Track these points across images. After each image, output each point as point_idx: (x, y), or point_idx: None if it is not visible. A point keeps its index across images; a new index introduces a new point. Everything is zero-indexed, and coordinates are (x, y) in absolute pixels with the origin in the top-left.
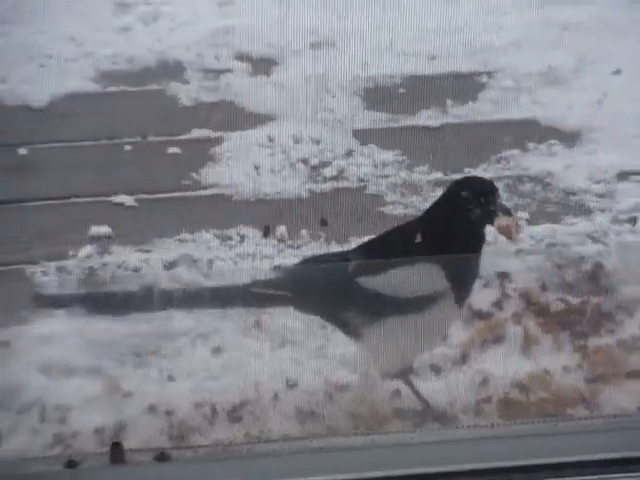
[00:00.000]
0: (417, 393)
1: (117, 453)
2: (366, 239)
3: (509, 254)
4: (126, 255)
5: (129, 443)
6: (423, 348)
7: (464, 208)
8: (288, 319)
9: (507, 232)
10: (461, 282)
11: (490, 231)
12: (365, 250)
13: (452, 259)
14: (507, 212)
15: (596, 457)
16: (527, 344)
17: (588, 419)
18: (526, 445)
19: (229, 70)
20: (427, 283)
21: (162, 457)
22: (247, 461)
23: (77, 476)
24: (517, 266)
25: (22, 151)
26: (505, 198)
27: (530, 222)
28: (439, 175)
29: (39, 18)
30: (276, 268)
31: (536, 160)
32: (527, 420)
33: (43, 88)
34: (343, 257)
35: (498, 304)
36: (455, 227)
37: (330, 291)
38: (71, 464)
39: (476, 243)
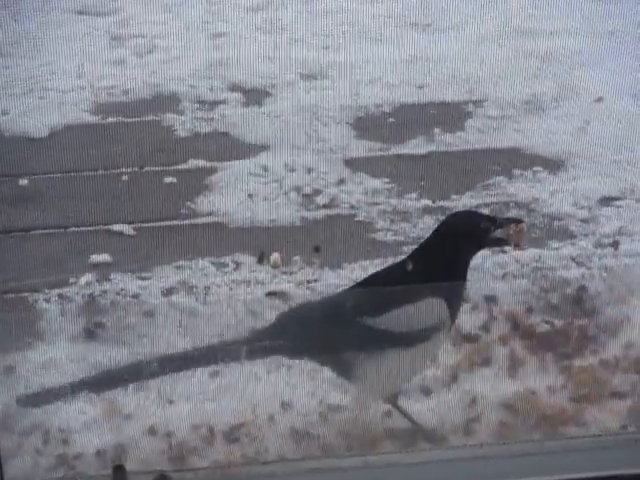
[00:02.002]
0: (407, 415)
1: (119, 476)
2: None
3: (496, 278)
4: (125, 282)
5: (130, 464)
6: (417, 373)
7: (467, 238)
8: None
9: (518, 238)
10: (455, 309)
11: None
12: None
13: (449, 288)
14: (519, 220)
15: (582, 475)
16: (513, 365)
17: (573, 439)
18: (514, 464)
19: (223, 101)
20: (431, 316)
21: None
22: None
23: None
24: (504, 289)
25: (23, 182)
26: None
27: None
28: (428, 202)
29: (38, 52)
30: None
31: (522, 187)
32: (514, 440)
33: (43, 120)
34: (340, 300)
35: (485, 327)
36: (457, 256)
37: (328, 334)
38: None
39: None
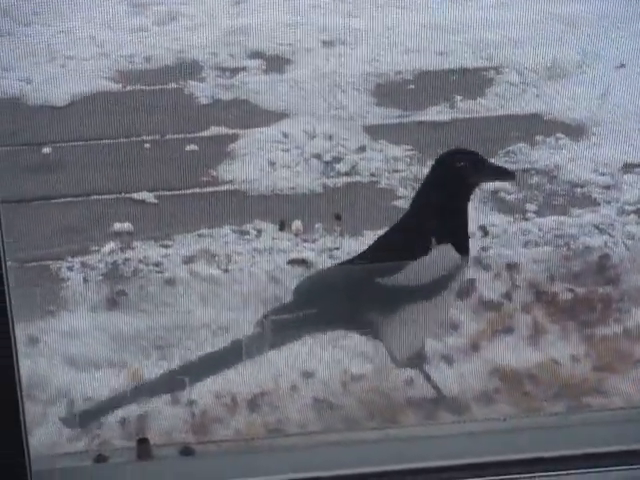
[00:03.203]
0: (431, 381)
1: (144, 448)
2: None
3: (518, 245)
4: (147, 250)
5: (153, 433)
6: (440, 323)
7: (461, 179)
8: None
9: None
10: (464, 250)
11: None
12: (375, 250)
13: (454, 230)
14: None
15: (606, 449)
16: (536, 334)
17: (597, 411)
18: (537, 438)
19: (244, 68)
20: (443, 263)
21: (187, 451)
22: (268, 455)
23: (105, 471)
24: (526, 257)
25: (46, 150)
26: (513, 191)
27: (538, 214)
28: None
29: (60, 20)
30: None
31: (543, 153)
32: (537, 414)
33: (65, 88)
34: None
35: (507, 295)
36: (453, 198)
37: (351, 298)
38: (100, 459)
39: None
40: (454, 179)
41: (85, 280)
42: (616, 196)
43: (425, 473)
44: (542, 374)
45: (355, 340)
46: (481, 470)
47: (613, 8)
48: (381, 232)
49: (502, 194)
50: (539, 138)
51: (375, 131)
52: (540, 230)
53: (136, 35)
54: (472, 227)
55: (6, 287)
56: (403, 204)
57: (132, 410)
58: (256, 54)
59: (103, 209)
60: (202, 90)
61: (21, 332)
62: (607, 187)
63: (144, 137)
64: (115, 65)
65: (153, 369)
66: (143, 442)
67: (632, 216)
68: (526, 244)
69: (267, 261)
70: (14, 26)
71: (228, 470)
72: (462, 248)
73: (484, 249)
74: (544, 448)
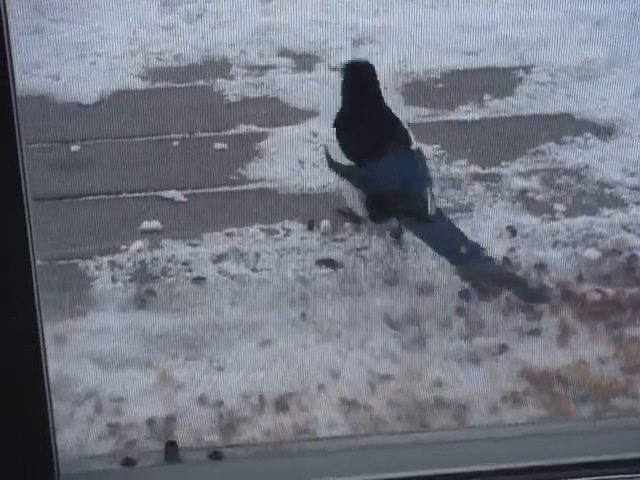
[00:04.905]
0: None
1: (172, 451)
2: None
3: (546, 246)
4: (176, 249)
5: (181, 433)
6: None
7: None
8: (332, 312)
9: None
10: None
11: None
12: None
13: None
14: None
15: (635, 455)
16: (564, 335)
17: (626, 417)
18: (565, 443)
19: (273, 66)
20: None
21: (215, 455)
22: (296, 459)
23: (134, 474)
24: (554, 257)
25: (74, 147)
26: (541, 190)
27: (566, 214)
28: (477, 169)
29: (89, 17)
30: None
31: (572, 153)
32: (566, 418)
33: (94, 85)
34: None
35: None
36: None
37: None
38: (128, 462)
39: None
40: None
41: (113, 279)
42: None
43: (455, 478)
44: (571, 376)
45: (382, 341)
46: (510, 476)
47: None
48: None
49: (531, 194)
50: (568, 138)
51: None
52: (569, 230)
53: (165, 33)
54: (501, 227)
55: (35, 285)
56: None
57: (160, 411)
58: (285, 52)
59: (132, 207)
60: (231, 88)
61: (49, 331)
62: (636, 188)
63: (173, 135)
64: (144, 63)
65: (182, 369)
66: (171, 445)
67: None
68: (555, 244)
69: (295, 260)
70: (43, 23)
71: (257, 474)
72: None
73: (512, 249)
74: (572, 454)
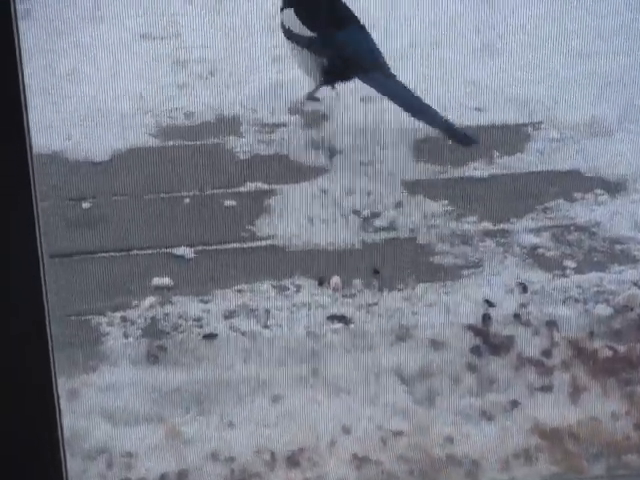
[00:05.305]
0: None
1: None
2: None
3: (557, 302)
4: (187, 305)
5: None
6: None
7: None
8: (343, 368)
9: None
10: None
11: None
12: None
13: None
14: None
15: None
16: (576, 391)
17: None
18: None
19: (283, 124)
20: None
21: None
22: None
23: None
24: (565, 314)
25: (86, 205)
26: (552, 247)
27: (577, 270)
28: (488, 225)
29: (101, 76)
30: None
31: (582, 209)
32: (579, 475)
33: (105, 143)
34: None
35: (547, 352)
36: None
37: None
38: None
39: None
40: None
41: (125, 335)
42: None
43: None
44: (583, 432)
45: (393, 397)
46: None
47: None
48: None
49: (541, 250)
50: (578, 194)
51: (413, 187)
52: (579, 287)
53: (177, 91)
54: (511, 283)
55: (49, 342)
56: (441, 259)
57: (172, 467)
58: (295, 110)
59: (143, 264)
60: (242, 145)
61: (62, 387)
62: None
63: (183, 192)
64: (155, 121)
65: (193, 424)
66: None
67: None
68: (565, 301)
69: (306, 317)
70: (56, 81)
71: None
72: None
73: (523, 305)
74: None
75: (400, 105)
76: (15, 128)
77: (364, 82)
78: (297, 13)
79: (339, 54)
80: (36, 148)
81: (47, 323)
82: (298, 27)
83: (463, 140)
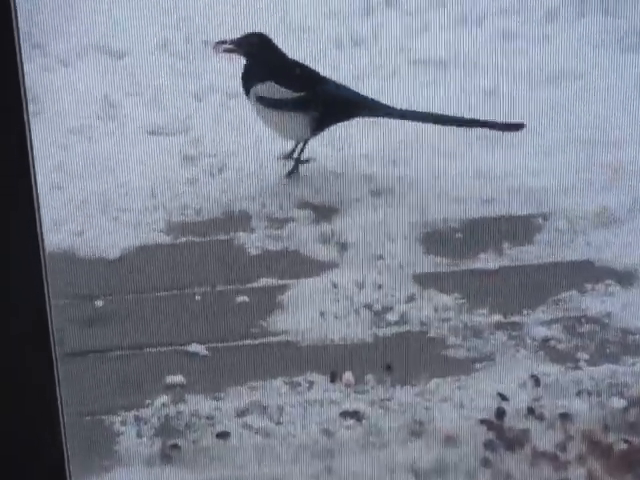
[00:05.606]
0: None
1: None
2: None
3: (570, 395)
4: (199, 403)
5: None
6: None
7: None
8: (357, 465)
9: None
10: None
11: None
12: None
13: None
14: None
15: None
16: None
17: None
18: None
19: (292, 219)
20: None
21: None
22: None
23: None
24: (579, 407)
25: (98, 303)
26: (564, 339)
27: (590, 363)
28: (499, 317)
29: (112, 173)
30: None
31: (593, 301)
32: None
33: (117, 240)
34: None
35: (561, 445)
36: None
37: None
38: None
39: None
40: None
41: (139, 434)
42: None
43: None
44: None
45: None
46: None
47: None
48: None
49: (553, 342)
50: (589, 285)
51: (424, 280)
52: (593, 379)
53: (187, 187)
54: (524, 377)
55: (64, 442)
56: (453, 353)
57: None
58: (304, 204)
59: (156, 362)
60: (252, 241)
61: None
62: None
63: (195, 289)
64: (166, 217)
65: None
66: None
67: None
68: (579, 393)
69: (319, 413)
70: (67, 179)
71: None
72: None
73: (536, 399)
74: None
75: (418, 120)
76: (27, 226)
77: (369, 116)
78: (278, 82)
79: (333, 101)
80: (48, 245)
81: (62, 425)
82: (281, 93)
83: (507, 128)
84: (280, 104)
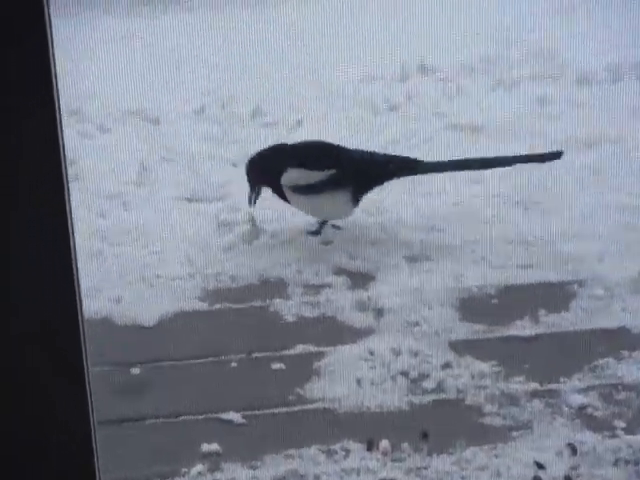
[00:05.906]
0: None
1: None
2: None
3: (608, 463)
4: (235, 471)
5: None
6: None
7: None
8: None
9: None
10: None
11: None
12: None
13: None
14: None
15: None
16: None
17: None
18: None
19: (329, 285)
20: None
21: None
22: None
23: None
24: (616, 476)
25: (135, 370)
26: (600, 407)
27: (627, 431)
28: (535, 385)
29: (149, 240)
30: None
31: (630, 368)
32: None
33: (153, 307)
34: None
35: None
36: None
37: None
38: None
39: None
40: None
41: None
42: None
43: None
44: None
45: None
46: None
47: None
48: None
49: (590, 410)
50: (626, 352)
51: (460, 347)
52: (630, 447)
53: (222, 254)
54: (561, 445)
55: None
56: (490, 421)
57: None
58: (340, 271)
59: (191, 430)
60: (288, 308)
61: None
62: None
63: (231, 356)
64: (202, 284)
65: None
66: None
67: None
68: (616, 462)
69: None
70: (105, 247)
71: None
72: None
73: (574, 468)
74: None
75: (457, 169)
76: (67, 293)
77: (406, 175)
78: (305, 166)
79: (364, 167)
80: (86, 312)
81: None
82: (309, 177)
83: (548, 158)
84: (305, 190)
